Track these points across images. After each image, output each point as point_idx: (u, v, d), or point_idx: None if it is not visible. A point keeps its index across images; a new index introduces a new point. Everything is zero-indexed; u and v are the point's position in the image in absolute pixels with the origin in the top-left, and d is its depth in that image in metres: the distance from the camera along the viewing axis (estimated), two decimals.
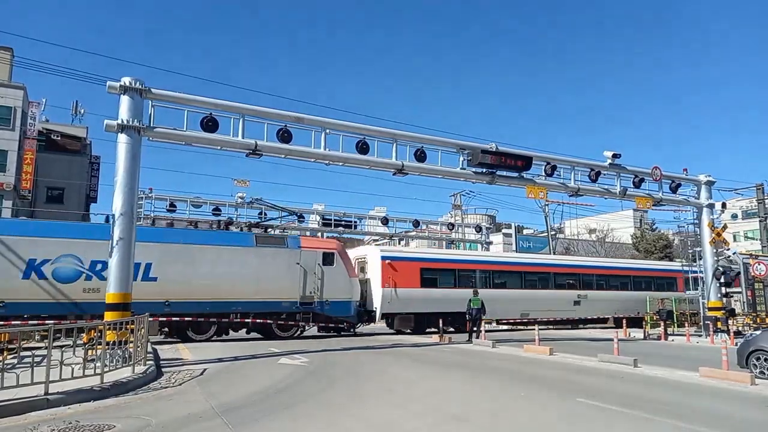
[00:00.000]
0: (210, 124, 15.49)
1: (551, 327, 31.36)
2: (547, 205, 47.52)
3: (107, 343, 10.82)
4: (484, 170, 19.68)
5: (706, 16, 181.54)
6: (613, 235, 66.34)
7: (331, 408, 8.73)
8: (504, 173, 20.05)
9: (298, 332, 22.56)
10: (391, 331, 26.05)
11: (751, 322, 26.94)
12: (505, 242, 62.38)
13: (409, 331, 25.49)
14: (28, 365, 8.93)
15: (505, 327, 32.57)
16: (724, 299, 25.39)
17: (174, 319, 19.27)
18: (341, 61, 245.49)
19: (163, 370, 12.58)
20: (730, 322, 24.61)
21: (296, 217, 34.34)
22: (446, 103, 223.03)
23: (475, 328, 21.58)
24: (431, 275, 26.50)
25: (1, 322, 16.06)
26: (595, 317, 31.90)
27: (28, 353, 9.36)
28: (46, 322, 14.73)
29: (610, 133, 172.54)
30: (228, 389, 10.37)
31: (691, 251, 26.51)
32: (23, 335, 12.62)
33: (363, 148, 17.69)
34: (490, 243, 41.90)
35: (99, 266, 17.64)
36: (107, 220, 18.01)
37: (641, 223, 73.43)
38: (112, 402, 9.06)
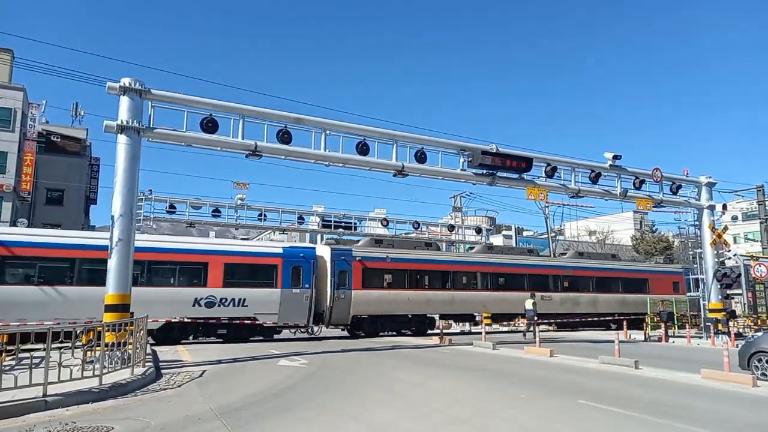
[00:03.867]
0: (210, 125, 15.47)
1: (551, 329, 31.28)
2: (548, 206, 47.52)
3: (106, 345, 10.78)
4: (485, 171, 19.63)
5: (707, 17, 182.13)
6: (613, 237, 66.32)
7: (331, 410, 8.68)
8: (504, 174, 20.00)
9: None
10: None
11: (752, 323, 26.90)
12: (505, 244, 62.33)
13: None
14: (27, 367, 8.87)
15: (505, 328, 32.53)
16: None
17: None
18: (342, 62, 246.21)
19: (162, 371, 12.53)
20: (730, 323, 24.55)
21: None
22: (447, 104, 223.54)
23: (530, 328, 23.45)
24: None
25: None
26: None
27: (27, 355, 9.29)
28: (45, 323, 14.66)
29: (610, 134, 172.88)
30: (227, 391, 10.31)
31: (691, 253, 26.45)
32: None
33: (363, 149, 17.65)
34: (491, 245, 41.82)
35: None
36: None
37: (641, 225, 73.44)
38: (110, 403, 9.01)
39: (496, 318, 29.34)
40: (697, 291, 25.92)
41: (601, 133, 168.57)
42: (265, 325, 21.56)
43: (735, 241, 50.02)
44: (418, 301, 25.48)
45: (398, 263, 25.47)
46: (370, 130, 18.01)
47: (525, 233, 70.15)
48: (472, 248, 35.44)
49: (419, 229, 42.03)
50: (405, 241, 29.84)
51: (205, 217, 32.80)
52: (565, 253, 37.10)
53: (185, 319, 19.74)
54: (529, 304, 24.24)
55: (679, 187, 24.33)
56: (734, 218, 57.22)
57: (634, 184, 22.65)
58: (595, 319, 30.26)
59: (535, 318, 24.15)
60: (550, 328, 31.55)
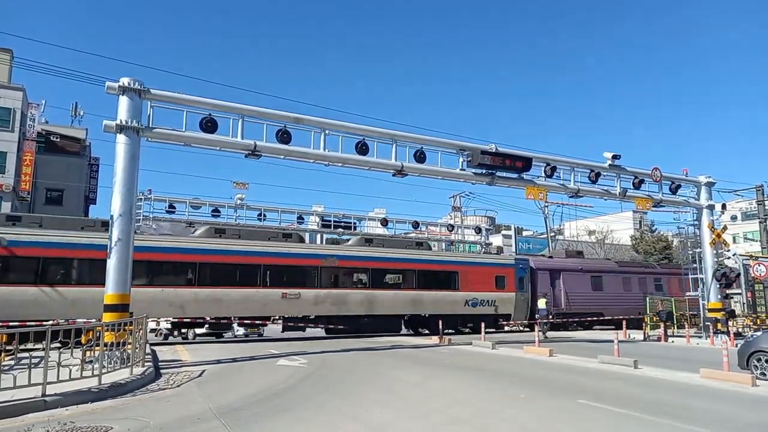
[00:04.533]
0: (209, 125, 15.46)
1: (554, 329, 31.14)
2: (547, 206, 47.56)
3: (105, 345, 10.77)
4: (484, 171, 19.62)
5: (707, 17, 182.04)
6: (613, 237, 66.34)
7: (330, 410, 8.67)
8: (504, 174, 20.00)
9: None
10: None
11: (752, 323, 26.90)
12: (504, 244, 62.37)
13: None
14: (26, 366, 8.86)
15: (505, 329, 32.41)
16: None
17: None
18: (342, 62, 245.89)
19: (161, 371, 12.53)
20: (730, 323, 24.55)
21: None
22: (447, 104, 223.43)
23: (541, 328, 23.74)
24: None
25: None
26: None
27: (26, 354, 9.29)
28: (44, 323, 14.64)
29: (610, 134, 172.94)
30: (227, 391, 10.31)
31: (690, 252, 26.48)
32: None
33: (362, 148, 17.64)
34: (490, 244, 41.83)
35: None
36: None
37: (641, 225, 73.47)
38: (109, 403, 9.01)
39: (214, 326, 23.34)
40: (696, 290, 25.90)
41: (601, 133, 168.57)
42: None
43: (734, 241, 50.05)
44: (63, 301, 18.35)
45: (23, 249, 18.18)
46: (370, 130, 18.00)
47: (525, 233, 70.10)
48: (194, 230, 26.51)
49: (419, 228, 41.98)
50: (66, 220, 21.12)
51: (204, 217, 32.71)
52: (348, 241, 29.46)
53: None
54: (542, 304, 25.57)
55: (679, 186, 24.33)
56: (733, 218, 57.26)
57: (633, 183, 22.66)
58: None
59: (550, 317, 25.32)
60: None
